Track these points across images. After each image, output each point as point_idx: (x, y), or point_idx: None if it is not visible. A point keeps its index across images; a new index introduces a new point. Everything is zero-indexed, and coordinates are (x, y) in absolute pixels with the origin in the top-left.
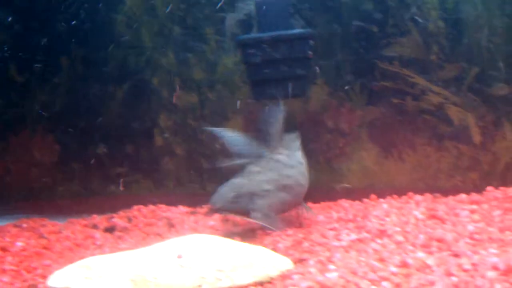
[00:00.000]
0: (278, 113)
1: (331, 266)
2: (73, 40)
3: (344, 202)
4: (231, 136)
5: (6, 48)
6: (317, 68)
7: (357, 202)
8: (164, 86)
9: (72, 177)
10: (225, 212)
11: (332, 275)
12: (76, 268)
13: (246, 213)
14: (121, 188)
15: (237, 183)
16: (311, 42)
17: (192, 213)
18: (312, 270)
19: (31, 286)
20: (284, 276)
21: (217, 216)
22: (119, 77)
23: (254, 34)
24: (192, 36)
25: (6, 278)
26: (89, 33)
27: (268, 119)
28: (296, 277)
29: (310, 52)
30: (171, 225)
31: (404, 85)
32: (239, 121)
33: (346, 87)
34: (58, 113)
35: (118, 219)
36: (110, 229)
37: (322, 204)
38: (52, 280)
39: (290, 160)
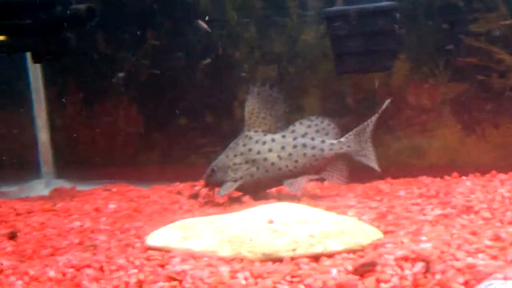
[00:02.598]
0: (256, 93)
1: (423, 238)
2: (158, 12)
3: (425, 179)
4: None
5: (95, 20)
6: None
7: (437, 179)
8: (245, 60)
9: (155, 147)
10: (208, 185)
11: (426, 245)
12: (173, 229)
13: (221, 184)
14: None
15: (218, 158)
16: (397, 15)
17: None
18: (405, 240)
19: (128, 245)
20: (376, 245)
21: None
22: (202, 50)
23: (341, 7)
24: (274, 10)
25: (102, 237)
26: (174, 6)
27: (248, 98)
28: (389, 245)
29: (396, 26)
30: None
31: (490, 61)
32: (318, 95)
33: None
34: (142, 84)
35: (201, 187)
36: (194, 196)
37: (402, 180)
38: (150, 239)
39: (262, 137)
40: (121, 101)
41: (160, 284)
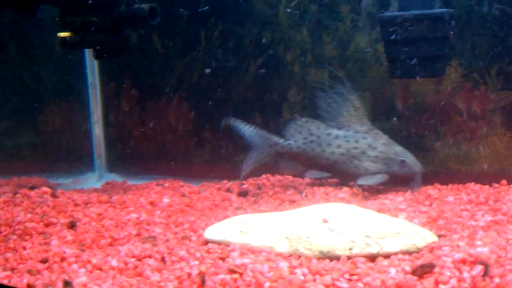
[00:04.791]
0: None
1: (478, 242)
2: (212, 14)
3: (474, 186)
4: (245, 129)
5: (157, 20)
6: None
7: (486, 186)
8: (296, 62)
9: (204, 145)
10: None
11: (483, 250)
12: (230, 223)
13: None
14: None
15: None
16: (453, 22)
17: (320, 184)
18: (460, 243)
19: (184, 238)
20: (432, 248)
21: (347, 189)
22: (253, 52)
23: (397, 12)
24: (327, 14)
25: (158, 229)
26: (228, 8)
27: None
28: (446, 248)
29: (451, 32)
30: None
31: None
32: (368, 98)
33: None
34: (194, 84)
35: (249, 186)
36: (243, 194)
37: (451, 186)
38: (208, 232)
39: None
40: (173, 100)
41: (222, 276)
